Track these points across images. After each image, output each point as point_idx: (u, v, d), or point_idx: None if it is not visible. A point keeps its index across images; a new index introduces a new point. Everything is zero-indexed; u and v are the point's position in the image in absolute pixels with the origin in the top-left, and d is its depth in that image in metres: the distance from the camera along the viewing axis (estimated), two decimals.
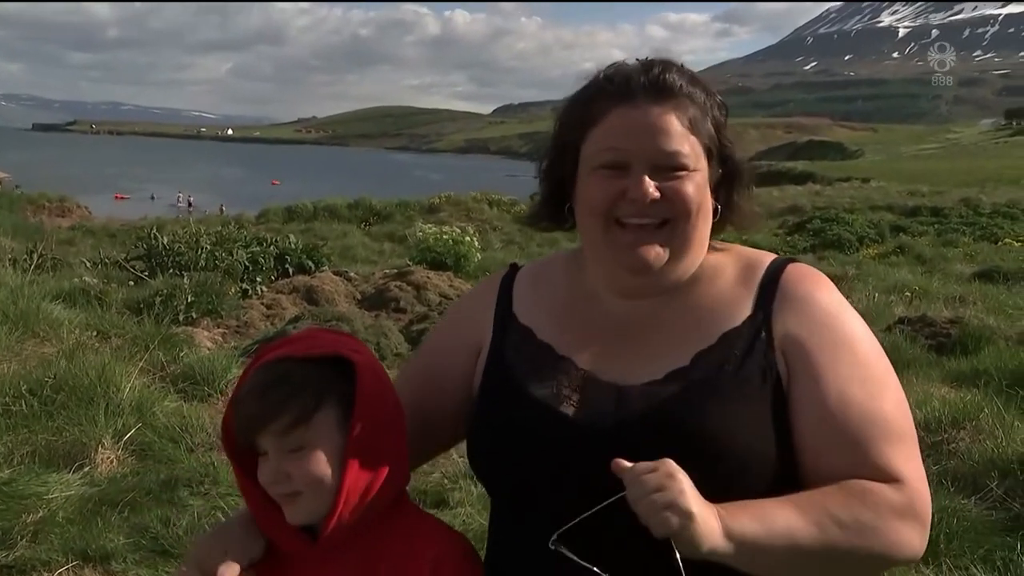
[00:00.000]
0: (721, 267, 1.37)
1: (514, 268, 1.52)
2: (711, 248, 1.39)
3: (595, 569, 1.17)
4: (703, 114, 1.31)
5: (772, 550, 1.16)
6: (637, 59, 1.36)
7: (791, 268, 1.35)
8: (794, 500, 1.20)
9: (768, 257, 1.39)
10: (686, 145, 1.28)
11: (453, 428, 1.46)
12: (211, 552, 1.30)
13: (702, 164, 1.31)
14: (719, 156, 1.34)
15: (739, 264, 1.38)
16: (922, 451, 1.32)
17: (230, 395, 1.34)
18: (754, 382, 1.26)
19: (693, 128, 1.29)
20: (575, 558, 1.16)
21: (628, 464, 1.14)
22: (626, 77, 1.32)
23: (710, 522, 1.12)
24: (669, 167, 1.28)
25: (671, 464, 1.13)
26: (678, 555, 1.11)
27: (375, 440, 1.28)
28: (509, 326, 1.43)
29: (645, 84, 1.30)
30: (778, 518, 1.17)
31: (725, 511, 1.15)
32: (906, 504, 1.22)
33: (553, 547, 1.17)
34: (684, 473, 1.13)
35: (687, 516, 1.09)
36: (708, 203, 1.33)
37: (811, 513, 1.18)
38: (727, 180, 1.36)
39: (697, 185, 1.29)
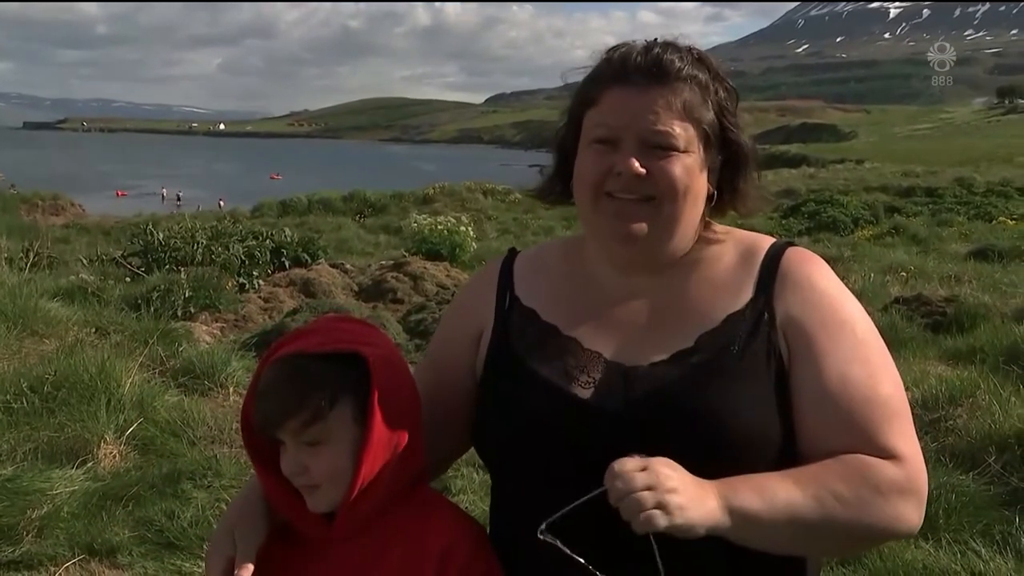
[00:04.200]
0: (720, 251, 1.38)
1: (513, 252, 1.53)
2: (710, 232, 1.39)
3: (580, 560, 1.15)
4: (703, 98, 1.31)
5: (773, 524, 1.18)
6: (646, 40, 1.37)
7: (790, 251, 1.37)
8: (794, 475, 1.22)
9: (767, 240, 1.40)
10: (676, 126, 1.29)
11: (466, 420, 1.43)
12: (222, 549, 1.31)
13: (695, 148, 1.31)
14: (720, 142, 1.34)
15: (739, 248, 1.39)
16: (920, 429, 1.34)
17: (247, 387, 1.34)
18: (759, 363, 1.28)
19: (686, 111, 1.30)
20: (565, 549, 1.15)
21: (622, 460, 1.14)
22: (624, 57, 1.33)
23: (707, 503, 1.13)
24: (656, 145, 1.29)
25: (660, 462, 1.13)
26: (655, 547, 1.12)
27: (390, 431, 1.29)
28: (512, 308, 1.43)
29: (641, 65, 1.31)
30: (779, 492, 1.18)
31: (726, 486, 1.16)
32: (905, 480, 1.23)
33: (542, 536, 1.15)
34: (674, 467, 1.14)
35: (673, 513, 1.10)
36: (699, 187, 1.33)
37: (812, 487, 1.19)
38: (731, 165, 1.36)
39: (686, 167, 1.30)
